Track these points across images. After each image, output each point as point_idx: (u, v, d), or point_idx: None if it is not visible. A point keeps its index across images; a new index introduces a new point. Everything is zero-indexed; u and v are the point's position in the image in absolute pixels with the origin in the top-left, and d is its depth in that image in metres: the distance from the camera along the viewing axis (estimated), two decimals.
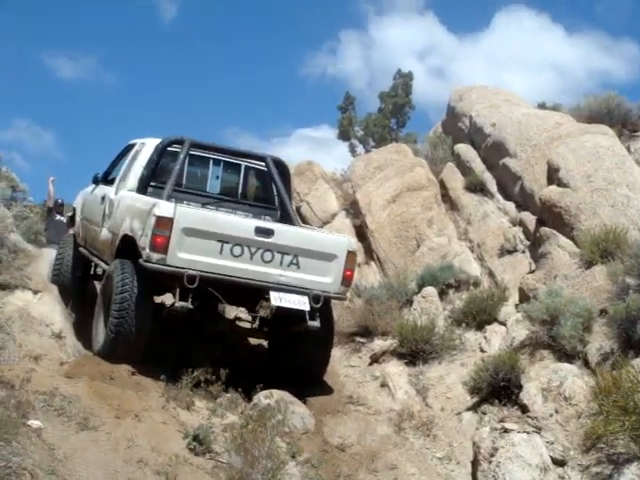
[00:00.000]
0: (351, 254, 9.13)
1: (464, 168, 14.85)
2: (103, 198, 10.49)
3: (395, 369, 10.25)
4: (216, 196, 10.20)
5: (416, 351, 10.27)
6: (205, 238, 8.52)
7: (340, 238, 9.39)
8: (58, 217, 16.93)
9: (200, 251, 8.50)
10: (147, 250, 8.45)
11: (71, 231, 12.60)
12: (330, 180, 16.27)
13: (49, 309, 9.91)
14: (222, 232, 8.59)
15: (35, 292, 10.35)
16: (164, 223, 8.39)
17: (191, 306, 8.50)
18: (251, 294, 9.07)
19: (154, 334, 8.85)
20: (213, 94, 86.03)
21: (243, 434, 7.23)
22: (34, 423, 6.48)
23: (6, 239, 12.06)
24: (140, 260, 8.54)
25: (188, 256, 8.45)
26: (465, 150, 15.21)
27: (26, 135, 74.59)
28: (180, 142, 9.62)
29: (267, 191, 10.31)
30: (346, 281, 9.12)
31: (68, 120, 78.10)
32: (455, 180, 14.65)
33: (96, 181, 11.24)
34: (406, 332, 10.41)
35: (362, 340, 11.22)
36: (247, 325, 10.08)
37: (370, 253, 13.69)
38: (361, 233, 14.12)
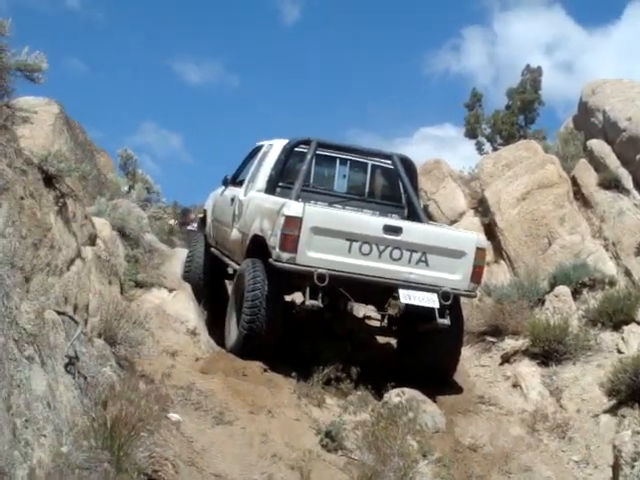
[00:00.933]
0: (480, 251, 9.03)
1: (597, 164, 14.40)
2: (233, 200, 10.75)
3: (527, 369, 10.07)
4: (343, 195, 10.29)
5: (549, 351, 10.05)
6: (334, 237, 8.60)
7: (469, 235, 9.30)
8: (190, 227, 17.68)
9: (329, 250, 8.58)
10: (277, 249, 8.57)
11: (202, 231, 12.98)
12: (457, 178, 16.08)
13: (183, 307, 10.20)
14: (350, 230, 8.64)
15: (170, 290, 10.67)
16: (293, 222, 8.50)
17: (321, 304, 8.56)
18: (380, 292, 9.06)
19: (285, 332, 9.00)
20: (334, 95, 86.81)
21: (374, 432, 7.30)
22: (173, 416, 6.74)
23: (142, 239, 12.52)
24: (270, 259, 8.67)
25: (317, 255, 8.54)
26: (599, 145, 14.74)
27: (154, 138, 77.32)
28: (307, 142, 9.76)
29: (394, 189, 10.33)
30: (476, 278, 9.04)
31: (194, 123, 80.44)
32: (588, 176, 14.23)
33: (226, 183, 11.55)
34: (538, 331, 10.20)
35: (492, 339, 11.09)
36: (376, 323, 10.09)
37: (499, 252, 13.49)
38: (490, 232, 13.92)
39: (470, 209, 15.03)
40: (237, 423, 7.11)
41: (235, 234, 10.32)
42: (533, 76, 27.59)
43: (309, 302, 8.54)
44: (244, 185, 10.56)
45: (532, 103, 27.51)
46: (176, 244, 15.58)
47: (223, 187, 11.69)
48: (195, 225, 18.00)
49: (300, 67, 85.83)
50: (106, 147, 18.37)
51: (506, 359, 10.55)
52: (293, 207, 8.60)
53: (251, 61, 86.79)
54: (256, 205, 9.70)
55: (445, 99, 74.26)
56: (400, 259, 8.76)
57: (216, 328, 10.14)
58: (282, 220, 8.56)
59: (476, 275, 9.03)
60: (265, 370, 8.56)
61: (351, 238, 8.63)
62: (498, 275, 12.99)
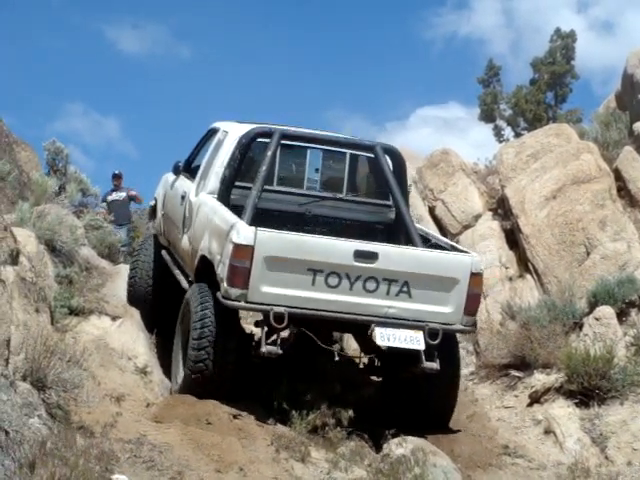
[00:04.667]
0: (476, 276, 9.11)
1: None
2: (183, 197, 10.82)
3: (563, 411, 10.13)
4: (316, 195, 10.42)
5: (589, 388, 10.11)
6: (294, 267, 8.70)
7: (461, 258, 9.30)
8: (113, 196, 17.80)
9: (288, 283, 8.69)
10: (225, 284, 8.67)
11: (151, 229, 12.93)
12: (471, 173, 16.13)
13: (131, 338, 10.24)
14: (314, 259, 8.74)
15: (113, 318, 10.72)
16: (243, 252, 8.58)
17: (280, 351, 8.70)
18: (356, 331, 9.26)
19: (256, 368, 9.10)
20: (311, 67, 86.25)
21: None
22: (120, 478, 6.67)
23: (77, 254, 12.52)
24: (218, 294, 8.80)
25: (274, 290, 8.66)
26: None
27: (82, 124, 76.46)
28: (268, 134, 9.79)
29: (379, 185, 10.38)
30: (470, 310, 9.13)
31: (134, 104, 79.53)
32: (635, 168, 14.29)
33: (177, 171, 11.60)
34: (576, 364, 10.25)
35: (518, 374, 11.16)
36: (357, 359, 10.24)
37: (525, 264, 13.52)
38: (512, 239, 13.97)
39: (488, 211, 15.07)
40: None
41: (185, 243, 10.40)
42: (565, 42, 27.79)
43: (265, 348, 8.68)
44: (196, 181, 10.63)
45: (563, 77, 27.73)
46: (120, 259, 15.53)
47: (174, 176, 11.75)
48: (122, 195, 18.14)
49: (267, 32, 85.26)
50: (22, 137, 18.25)
51: (536, 399, 10.60)
52: (243, 233, 8.63)
53: (205, 26, 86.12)
54: (205, 216, 9.77)
55: (450, 71, 74.02)
56: (376, 291, 8.86)
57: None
58: (230, 248, 8.64)
59: (471, 306, 9.11)
60: (235, 417, 8.58)
61: (315, 268, 8.73)
62: (524, 293, 13.01)
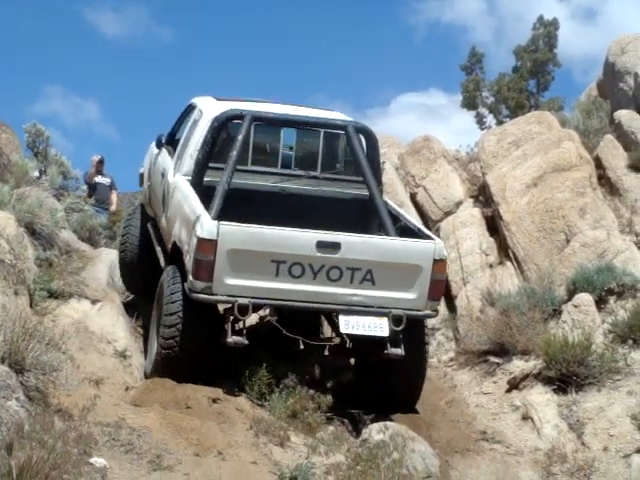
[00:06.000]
0: (439, 262, 9.18)
1: (627, 141, 14.51)
2: (163, 175, 10.87)
3: (541, 397, 10.16)
4: (290, 173, 10.51)
5: (567, 375, 10.15)
6: (257, 259, 8.83)
7: (423, 245, 9.33)
8: (99, 179, 17.75)
9: (252, 275, 8.85)
10: (190, 277, 8.82)
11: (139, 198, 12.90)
12: (453, 160, 16.15)
13: (111, 322, 10.24)
14: (276, 250, 8.86)
15: (93, 301, 10.69)
16: (207, 246, 8.72)
17: (246, 341, 8.84)
18: (321, 321, 9.46)
19: (235, 352, 9.10)
20: (296, 50, 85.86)
21: (350, 477, 7.29)
22: (98, 461, 6.66)
23: (57, 237, 12.46)
24: (185, 284, 8.93)
25: (238, 282, 8.82)
26: (629, 118, 14.86)
27: (62, 106, 75.99)
28: (239, 117, 9.83)
29: (353, 162, 10.37)
30: (434, 294, 9.22)
31: (114, 86, 78.99)
32: (615, 157, 14.33)
33: (160, 144, 11.66)
34: (554, 351, 10.28)
35: (497, 360, 11.19)
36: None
37: (505, 251, 13.53)
38: (493, 226, 13.97)
39: (469, 198, 15.07)
40: (179, 468, 7.04)
41: (164, 223, 10.48)
42: (547, 30, 27.82)
43: (231, 339, 8.83)
44: (173, 159, 10.69)
45: (545, 64, 27.76)
46: (100, 243, 15.46)
47: (157, 150, 11.81)
48: (107, 180, 18.09)
49: (250, 14, 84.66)
50: (1, 119, 18.11)
51: (514, 385, 10.63)
52: (206, 227, 8.74)
53: (187, 6, 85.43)
54: (178, 202, 9.86)
55: (432, 58, 73.81)
56: (340, 279, 8.96)
57: None
58: (194, 242, 8.78)
59: (434, 292, 9.20)
60: (214, 401, 8.59)
61: (278, 259, 8.86)
62: (503, 280, 13.02)
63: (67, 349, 8.62)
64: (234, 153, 9.56)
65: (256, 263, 8.81)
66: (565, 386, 10.16)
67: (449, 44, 73.32)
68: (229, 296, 8.79)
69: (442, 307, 12.64)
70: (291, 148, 10.66)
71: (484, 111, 27.35)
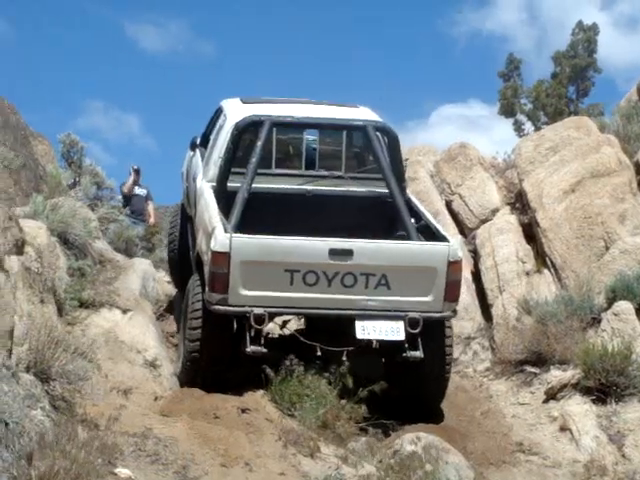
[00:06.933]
0: (454, 264, 9.22)
1: None
2: (194, 178, 11.05)
3: (579, 408, 10.04)
4: (314, 175, 10.57)
5: (607, 385, 10.03)
6: (271, 269, 8.94)
7: (438, 248, 9.35)
8: (135, 190, 17.77)
9: (267, 285, 8.97)
10: (207, 289, 8.98)
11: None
12: (490, 167, 16.01)
13: (141, 331, 10.19)
14: (289, 260, 8.95)
15: (124, 311, 10.64)
16: (221, 259, 8.85)
17: (265, 350, 8.95)
18: (339, 327, 9.39)
19: (265, 361, 9.05)
20: (332, 63, 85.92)
21: None
22: (122, 472, 6.60)
23: (90, 247, 12.45)
24: (205, 296, 9.08)
25: (253, 292, 8.96)
26: None
27: (103, 121, 76.72)
28: (259, 123, 9.85)
29: (375, 162, 10.37)
30: (450, 297, 9.28)
31: (154, 100, 79.69)
32: None
33: (194, 146, 11.89)
34: (593, 360, 10.16)
35: (534, 370, 11.10)
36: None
37: (542, 258, 13.42)
38: (530, 233, 13.86)
39: (505, 205, 14.95)
40: (205, 479, 6.98)
41: (195, 227, 10.59)
42: (587, 36, 27.53)
43: (249, 348, 8.93)
44: (202, 164, 10.83)
45: (585, 70, 27.48)
46: (137, 254, 15.43)
47: (191, 153, 12.03)
48: (144, 191, 18.06)
49: (290, 28, 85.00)
50: (50, 137, 18.28)
51: (552, 395, 10.52)
52: (219, 239, 8.85)
53: (228, 21, 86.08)
54: (201, 210, 10.00)
55: (472, 69, 73.58)
56: (354, 285, 9.05)
57: None
58: (209, 255, 8.91)
59: (451, 293, 9.26)
60: (243, 411, 8.55)
61: (292, 269, 8.96)
62: (540, 288, 12.91)
63: (95, 358, 8.59)
64: (254, 160, 9.62)
65: (270, 273, 8.93)
66: (604, 396, 10.03)
67: (489, 54, 73.16)
68: (245, 307, 8.89)
69: (478, 316, 12.64)
70: (314, 149, 10.72)
71: (522, 118, 27.14)
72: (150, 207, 18.42)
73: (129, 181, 18.00)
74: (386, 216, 10.10)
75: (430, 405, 9.75)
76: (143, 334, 10.18)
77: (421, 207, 10.45)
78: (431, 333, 9.25)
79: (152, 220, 18.23)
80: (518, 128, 27.06)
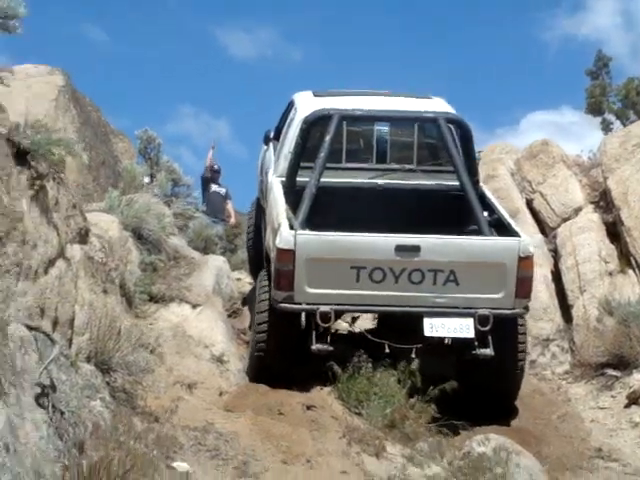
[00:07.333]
0: (525, 260, 9.02)
1: None
2: (266, 173, 11.05)
3: None
4: (385, 168, 10.47)
5: None
6: (336, 266, 8.81)
7: (507, 243, 9.19)
8: (214, 188, 17.73)
9: (333, 282, 8.84)
10: (273, 287, 8.95)
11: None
12: (573, 165, 15.65)
13: (209, 326, 10.19)
14: (355, 257, 8.85)
15: (194, 306, 10.68)
16: (286, 256, 8.77)
17: (331, 348, 8.84)
18: (409, 325, 9.25)
19: (332, 358, 9.02)
20: (420, 68, 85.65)
21: None
22: (180, 465, 6.57)
23: (164, 243, 12.50)
24: (270, 294, 9.07)
25: (319, 290, 8.84)
26: None
27: (194, 126, 77.76)
28: (328, 117, 9.75)
29: (446, 155, 10.23)
30: (521, 293, 9.07)
31: (244, 106, 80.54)
32: None
33: (267, 140, 11.93)
34: None
35: (615, 373, 10.85)
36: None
37: (627, 258, 13.09)
38: (614, 232, 13.53)
39: (589, 204, 14.59)
40: (265, 476, 6.96)
41: (265, 220, 10.61)
42: None
43: (315, 346, 8.80)
44: (274, 159, 10.82)
45: None
46: (216, 253, 15.40)
47: (265, 147, 12.05)
48: (223, 190, 18.00)
49: (377, 31, 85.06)
50: (131, 135, 18.52)
51: (634, 400, 10.29)
52: (284, 237, 8.78)
53: (316, 26, 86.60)
54: (270, 205, 10.01)
55: (565, 74, 72.48)
56: (422, 282, 8.91)
57: None
58: (275, 252, 8.93)
59: (522, 289, 9.05)
60: (309, 407, 8.50)
61: (358, 265, 8.85)
62: (624, 288, 12.58)
63: (160, 351, 8.67)
64: (322, 154, 9.52)
65: (336, 270, 8.83)
66: None
67: (582, 61, 71.93)
68: (311, 304, 8.79)
69: (557, 317, 12.41)
70: (386, 142, 10.58)
71: (610, 117, 26.52)
72: (229, 206, 18.41)
73: (209, 154, 18.08)
74: (459, 210, 9.91)
75: (502, 405, 9.57)
76: (211, 329, 10.19)
77: (494, 201, 10.24)
78: (502, 330, 9.04)
79: (233, 220, 18.23)
80: (606, 127, 26.43)
